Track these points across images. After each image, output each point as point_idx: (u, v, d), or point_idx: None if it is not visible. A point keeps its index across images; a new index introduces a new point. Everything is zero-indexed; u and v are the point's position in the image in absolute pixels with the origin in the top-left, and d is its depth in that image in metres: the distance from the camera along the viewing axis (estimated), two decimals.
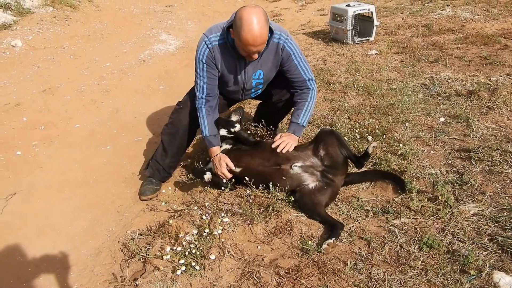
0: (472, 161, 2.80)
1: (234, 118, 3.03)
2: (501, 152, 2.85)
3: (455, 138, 3.13)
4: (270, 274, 2.06)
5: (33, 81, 5.03)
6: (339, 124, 3.40)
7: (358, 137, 3.19)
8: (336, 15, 5.85)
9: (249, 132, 3.22)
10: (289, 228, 2.38)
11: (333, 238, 2.18)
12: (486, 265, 1.95)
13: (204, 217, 2.44)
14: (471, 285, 1.88)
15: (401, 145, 3.02)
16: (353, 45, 5.74)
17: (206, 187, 2.79)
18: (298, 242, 2.27)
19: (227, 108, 3.22)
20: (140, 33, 7.29)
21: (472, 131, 3.17)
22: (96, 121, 4.17)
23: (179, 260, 2.15)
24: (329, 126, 3.44)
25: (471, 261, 1.97)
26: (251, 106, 4.10)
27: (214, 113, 2.79)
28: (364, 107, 3.79)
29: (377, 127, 3.26)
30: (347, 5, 5.71)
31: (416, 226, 2.28)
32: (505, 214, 2.28)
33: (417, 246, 2.13)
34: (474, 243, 2.12)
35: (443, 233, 2.21)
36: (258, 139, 2.95)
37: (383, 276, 1.98)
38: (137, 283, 2.12)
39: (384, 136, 3.15)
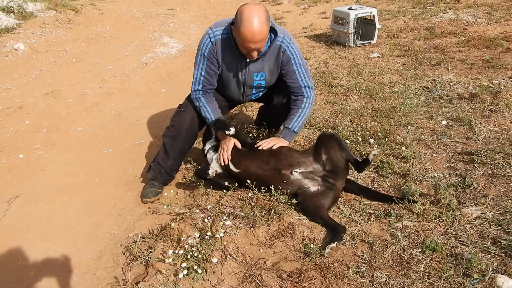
0: (475, 164, 2.79)
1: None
2: (503, 155, 2.84)
3: (458, 141, 3.12)
4: (272, 278, 2.06)
5: (36, 84, 5.05)
6: (341, 127, 3.40)
7: (360, 140, 3.19)
8: (338, 18, 5.85)
9: (251, 134, 3.23)
10: (291, 231, 2.37)
11: (336, 242, 2.18)
12: (489, 269, 1.94)
13: (206, 220, 2.44)
14: None
15: (403, 148, 3.02)
16: (355, 48, 5.74)
17: (208, 190, 2.79)
18: (300, 245, 2.26)
19: (228, 111, 3.22)
20: (142, 36, 7.31)
21: (475, 134, 3.16)
22: (98, 124, 4.18)
23: (181, 263, 2.14)
24: (331, 129, 3.44)
25: (474, 265, 1.96)
26: (253, 109, 4.10)
27: (214, 102, 2.81)
28: (366, 110, 3.78)
29: (379, 130, 3.26)
30: (349, 8, 5.71)
31: (419, 229, 2.27)
32: (508, 217, 2.27)
33: (419, 250, 2.12)
34: (477, 246, 2.11)
35: (445, 236, 2.20)
36: (258, 140, 2.95)
37: (386, 280, 1.97)
38: (139, 287, 2.11)
39: (386, 139, 3.15)
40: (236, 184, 2.66)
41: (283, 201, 2.52)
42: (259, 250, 2.27)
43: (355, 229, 2.34)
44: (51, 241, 2.63)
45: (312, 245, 2.20)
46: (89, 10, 8.38)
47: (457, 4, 7.37)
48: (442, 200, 2.41)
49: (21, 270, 2.42)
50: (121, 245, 2.51)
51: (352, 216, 2.45)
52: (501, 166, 2.72)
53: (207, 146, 2.96)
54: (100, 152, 3.68)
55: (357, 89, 4.25)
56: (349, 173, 2.75)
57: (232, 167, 2.69)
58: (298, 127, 2.83)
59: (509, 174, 2.64)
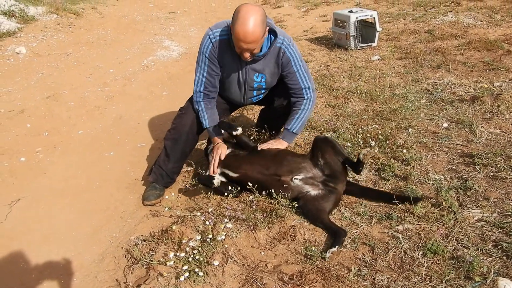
0: (476, 167, 2.79)
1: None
2: (505, 157, 2.84)
3: (459, 144, 3.12)
4: (273, 280, 2.05)
5: (37, 87, 5.06)
6: (342, 130, 3.40)
7: (361, 142, 3.19)
8: (339, 21, 5.86)
9: (252, 137, 3.23)
10: (292, 234, 2.37)
11: (337, 246, 2.17)
12: (490, 272, 1.94)
13: (207, 222, 2.44)
14: None
15: (404, 150, 3.02)
16: (355, 51, 5.75)
17: (209, 193, 2.80)
18: (302, 248, 2.26)
19: (229, 114, 3.23)
20: (143, 40, 7.34)
21: (476, 137, 3.16)
22: (100, 127, 4.19)
23: (182, 266, 2.14)
24: (332, 132, 3.44)
25: (475, 268, 1.95)
26: (253, 112, 4.11)
27: (213, 108, 2.83)
28: (367, 112, 3.78)
29: (380, 132, 3.26)
30: (349, 11, 5.72)
31: (420, 232, 2.26)
32: (510, 220, 2.27)
33: (421, 252, 2.12)
34: (478, 249, 2.10)
35: (447, 239, 2.20)
36: (260, 143, 2.96)
37: (387, 283, 1.97)
38: None
39: (387, 142, 3.15)
40: (239, 188, 2.65)
41: (284, 203, 2.52)
42: (260, 252, 2.27)
43: (356, 232, 2.33)
44: (53, 244, 2.63)
45: (313, 248, 2.20)
46: (90, 14, 8.41)
47: (457, 7, 7.38)
48: (444, 203, 2.41)
49: (23, 273, 2.43)
50: (122, 248, 2.51)
51: (353, 218, 2.45)
52: (502, 169, 2.72)
53: (210, 147, 2.97)
54: (101, 155, 3.68)
55: (358, 91, 4.25)
56: (351, 176, 2.76)
57: (230, 173, 2.69)
58: (297, 129, 2.83)
59: (511, 177, 2.64)
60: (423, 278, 1.97)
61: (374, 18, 5.65)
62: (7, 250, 2.59)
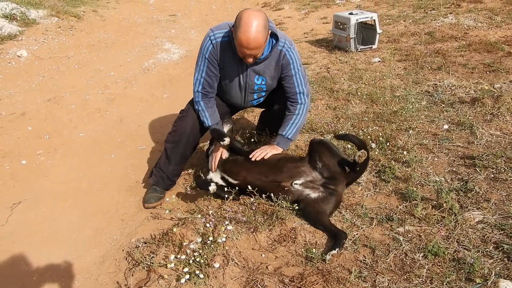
0: (477, 169, 2.79)
1: (226, 128, 3.01)
2: (505, 159, 2.84)
3: (459, 146, 3.12)
4: (274, 282, 2.05)
5: (38, 90, 5.07)
6: (343, 132, 3.40)
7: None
8: (339, 23, 5.87)
9: (252, 140, 3.23)
10: (293, 236, 2.37)
11: (337, 249, 2.17)
12: (491, 273, 1.93)
13: (208, 225, 2.44)
14: None
15: (405, 152, 3.02)
16: (356, 53, 5.75)
17: (209, 195, 2.80)
18: (302, 250, 2.26)
19: (230, 116, 3.22)
20: (144, 42, 7.35)
21: (476, 138, 3.16)
22: (101, 130, 4.20)
23: (183, 268, 2.14)
24: (332, 134, 3.44)
25: (476, 269, 1.95)
26: (254, 114, 4.11)
27: (213, 106, 2.84)
28: (368, 114, 3.79)
29: (380, 134, 3.26)
30: (349, 13, 5.73)
31: (421, 234, 2.26)
32: (511, 221, 2.27)
33: (422, 254, 2.12)
34: (479, 251, 2.10)
35: (448, 240, 2.20)
36: (258, 146, 2.95)
37: (388, 284, 1.97)
38: None
39: (388, 144, 3.15)
40: (237, 188, 2.65)
41: (284, 206, 2.52)
42: (261, 255, 2.27)
43: (357, 234, 2.33)
44: (54, 246, 2.64)
45: (314, 250, 2.20)
46: (91, 17, 8.44)
47: (457, 9, 7.39)
48: (444, 205, 2.41)
49: (24, 275, 2.43)
50: (123, 250, 2.52)
51: (354, 220, 2.45)
52: (503, 170, 2.72)
53: (211, 148, 2.97)
54: (102, 158, 3.69)
55: (358, 93, 4.26)
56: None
57: (230, 179, 2.70)
58: (292, 134, 2.83)
59: (511, 178, 2.64)
60: (424, 280, 1.97)
61: (374, 20, 5.65)
62: (8, 252, 2.59)
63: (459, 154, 3.01)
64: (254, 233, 2.41)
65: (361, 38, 5.85)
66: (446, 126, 3.42)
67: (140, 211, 2.93)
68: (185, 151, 2.92)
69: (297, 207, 2.52)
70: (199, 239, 2.33)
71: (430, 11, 7.60)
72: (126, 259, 2.43)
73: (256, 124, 3.74)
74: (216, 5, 10.77)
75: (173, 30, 8.32)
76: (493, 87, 3.97)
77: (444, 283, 1.92)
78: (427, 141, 3.21)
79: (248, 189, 2.57)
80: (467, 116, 3.53)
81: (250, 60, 2.54)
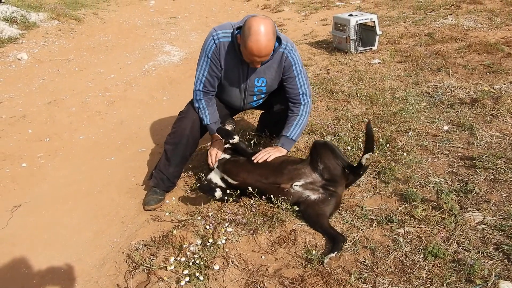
0: (477, 170, 2.79)
1: (228, 127, 3.03)
2: (505, 160, 2.83)
3: (459, 147, 3.12)
4: (274, 284, 2.05)
5: (39, 93, 5.09)
6: (343, 133, 3.40)
7: (361, 146, 3.19)
8: (339, 25, 5.88)
9: (252, 141, 3.23)
10: (293, 238, 2.37)
11: (335, 252, 2.16)
12: (491, 275, 1.93)
13: (208, 227, 2.44)
14: None
15: (404, 153, 3.02)
16: (356, 55, 5.76)
17: (209, 197, 2.80)
18: (302, 251, 2.26)
19: (229, 118, 3.22)
20: (144, 45, 7.37)
21: (476, 140, 3.16)
22: (101, 133, 4.20)
23: (183, 270, 2.14)
24: (332, 135, 3.45)
25: (476, 271, 1.95)
26: (254, 116, 4.11)
27: (214, 105, 2.86)
28: (368, 115, 3.79)
29: (380, 135, 3.26)
30: (349, 15, 5.74)
31: (421, 235, 2.26)
32: (511, 222, 2.26)
33: (422, 255, 2.12)
34: (479, 252, 2.10)
35: (448, 242, 2.19)
36: (260, 148, 2.96)
37: (388, 286, 1.96)
38: None
39: (388, 145, 3.15)
40: (238, 191, 2.65)
41: (284, 208, 2.52)
42: (261, 256, 2.27)
43: (357, 235, 2.33)
44: (54, 249, 2.64)
45: (314, 252, 2.20)
46: (91, 20, 8.46)
47: (457, 10, 7.39)
48: (444, 206, 2.40)
49: (24, 278, 2.43)
50: (123, 252, 2.51)
51: (354, 222, 2.45)
52: (503, 171, 2.72)
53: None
54: (103, 160, 3.69)
55: (358, 95, 4.26)
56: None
57: (229, 179, 2.70)
58: (296, 135, 2.83)
59: (511, 179, 2.64)
60: (424, 281, 1.96)
61: (374, 21, 5.66)
62: (9, 255, 2.59)
63: (459, 155, 3.01)
64: (254, 235, 2.41)
65: (361, 40, 5.86)
66: (446, 127, 3.42)
67: (140, 213, 2.93)
68: (185, 153, 2.92)
69: (297, 209, 2.51)
70: (199, 241, 2.34)
71: (430, 12, 7.60)
72: (126, 262, 2.43)
73: (255, 125, 3.74)
74: (216, 7, 10.79)
75: (173, 32, 8.34)
76: (493, 88, 3.97)
77: (444, 285, 1.92)
78: (427, 142, 3.21)
79: (248, 190, 2.57)
80: (467, 117, 3.53)
81: (258, 65, 2.58)
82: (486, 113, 3.55)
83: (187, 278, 2.09)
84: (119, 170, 3.51)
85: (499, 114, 3.48)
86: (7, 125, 4.21)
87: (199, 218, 2.59)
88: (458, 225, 2.29)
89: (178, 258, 2.22)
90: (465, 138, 3.23)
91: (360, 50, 5.82)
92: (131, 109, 4.76)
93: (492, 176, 2.70)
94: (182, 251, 2.30)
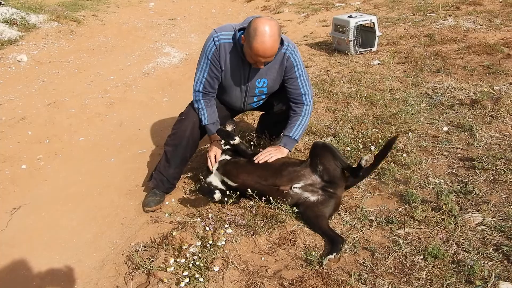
0: (476, 171, 2.79)
1: (228, 128, 3.04)
2: (505, 161, 2.84)
3: (459, 148, 3.12)
4: (274, 286, 2.05)
5: (38, 95, 5.09)
6: (342, 134, 3.40)
7: (361, 147, 3.19)
8: (338, 26, 5.88)
9: (252, 142, 3.23)
10: (292, 239, 2.37)
11: (334, 254, 2.15)
12: (491, 276, 1.93)
13: (207, 228, 2.44)
14: None
15: (404, 154, 3.02)
16: (355, 56, 5.76)
17: (209, 199, 2.80)
18: (302, 253, 2.26)
19: (229, 120, 3.22)
20: (144, 46, 7.37)
21: (476, 140, 3.16)
22: (100, 134, 4.20)
23: (182, 272, 2.14)
24: (332, 136, 3.45)
25: (476, 272, 1.95)
26: (253, 117, 4.11)
27: (213, 106, 2.85)
28: (367, 117, 3.79)
29: (380, 136, 3.26)
30: (349, 16, 5.74)
31: (421, 236, 2.26)
32: (510, 223, 2.26)
33: (421, 257, 2.12)
34: (479, 253, 2.10)
35: (447, 243, 2.19)
36: (259, 149, 2.96)
37: (388, 287, 1.96)
38: None
39: None
40: (238, 193, 2.65)
41: (284, 209, 2.52)
42: (261, 258, 2.27)
43: (356, 236, 2.33)
44: (54, 251, 2.63)
45: (313, 253, 2.20)
46: (91, 21, 8.47)
47: (457, 11, 7.40)
48: (444, 207, 2.41)
49: (24, 280, 2.42)
50: (123, 254, 2.51)
51: (354, 223, 2.45)
52: (503, 172, 2.72)
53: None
54: (102, 162, 3.69)
55: (358, 96, 4.26)
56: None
57: (229, 181, 2.70)
58: (298, 136, 2.83)
59: (511, 180, 2.64)
60: (423, 282, 1.96)
61: (373, 22, 5.67)
62: (8, 257, 2.59)
63: (459, 156, 3.01)
64: (253, 236, 2.41)
65: (360, 41, 5.86)
66: (445, 128, 3.42)
67: (139, 215, 2.93)
68: (185, 154, 2.92)
69: (296, 210, 2.51)
70: (199, 243, 2.33)
71: (430, 13, 7.61)
72: (125, 263, 2.43)
73: (255, 126, 3.74)
74: (216, 9, 10.80)
75: (173, 34, 8.34)
76: (493, 89, 3.97)
77: (444, 286, 1.92)
78: (427, 143, 3.21)
79: (248, 192, 2.57)
80: (467, 118, 3.54)
81: (262, 66, 2.59)
82: (486, 114, 3.55)
83: (187, 280, 2.09)
84: (119, 172, 3.51)
85: (498, 115, 3.49)
86: (7, 127, 4.21)
87: (199, 219, 2.59)
88: (458, 226, 2.29)
89: (178, 260, 2.22)
90: (465, 139, 3.23)
91: (359, 51, 5.83)
92: (130, 111, 4.76)
93: (492, 177, 2.71)
94: (181, 253, 2.30)
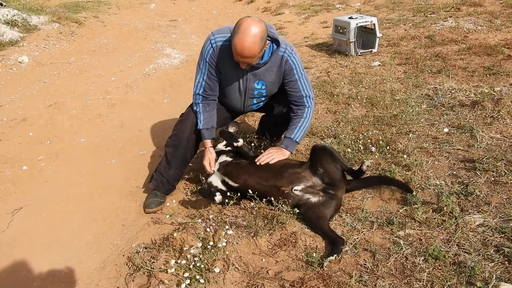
0: (477, 172, 2.79)
1: (231, 130, 3.04)
2: (506, 162, 2.83)
3: (460, 149, 3.12)
4: (274, 287, 2.05)
5: (40, 96, 5.09)
6: (343, 136, 3.40)
7: (361, 148, 3.19)
8: (339, 28, 5.88)
9: (252, 144, 3.23)
10: (293, 240, 2.37)
11: (335, 255, 2.16)
12: (492, 277, 1.93)
13: (208, 229, 2.44)
14: None
15: (405, 156, 3.02)
16: (356, 57, 5.77)
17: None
18: (303, 254, 2.26)
19: (230, 121, 3.23)
20: (144, 48, 7.37)
21: (477, 142, 3.16)
22: (101, 135, 4.21)
23: (183, 273, 2.14)
24: (332, 137, 3.45)
25: (477, 273, 1.95)
26: (254, 118, 4.12)
27: (212, 111, 2.84)
28: (368, 118, 3.79)
29: (380, 138, 3.26)
30: (349, 18, 5.75)
31: (421, 238, 2.26)
32: (511, 225, 2.26)
33: (422, 258, 2.12)
34: (480, 254, 2.10)
35: (448, 244, 2.19)
36: (261, 150, 2.96)
37: None
38: None
39: (388, 147, 3.15)
40: (239, 194, 2.65)
41: (285, 210, 2.52)
42: (262, 259, 2.27)
43: (357, 238, 2.33)
44: (55, 252, 2.64)
45: (314, 254, 2.20)
46: (92, 23, 8.48)
47: (457, 12, 7.40)
48: (445, 208, 2.41)
49: (25, 281, 2.43)
50: (123, 255, 2.52)
51: (355, 224, 2.45)
52: (504, 173, 2.72)
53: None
54: (103, 163, 3.69)
55: (359, 97, 4.26)
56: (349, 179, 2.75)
57: (230, 182, 2.70)
58: (300, 138, 2.83)
59: None
60: (424, 284, 1.96)
61: (374, 24, 5.67)
62: (9, 258, 2.59)
63: (460, 158, 3.01)
64: (254, 238, 2.41)
65: (361, 42, 5.86)
66: (446, 130, 3.42)
67: (140, 216, 2.93)
68: (185, 155, 2.93)
69: (297, 211, 2.52)
70: (200, 244, 2.34)
71: (430, 14, 7.61)
72: (126, 264, 2.43)
73: (256, 128, 3.75)
74: (217, 10, 10.81)
75: (173, 35, 8.35)
76: (493, 90, 3.97)
77: (445, 287, 1.92)
78: (427, 144, 3.21)
79: (249, 193, 2.57)
80: (467, 119, 3.54)
81: (244, 66, 2.58)
82: (487, 115, 3.55)
83: (188, 281, 2.09)
84: (120, 173, 3.52)
85: (499, 116, 3.49)
86: (8, 128, 4.22)
87: (200, 220, 2.59)
88: (459, 227, 2.29)
89: (179, 261, 2.23)
90: (466, 140, 3.23)
91: (360, 53, 5.83)
92: (131, 112, 4.77)
93: (493, 178, 2.70)
94: (182, 254, 2.30)
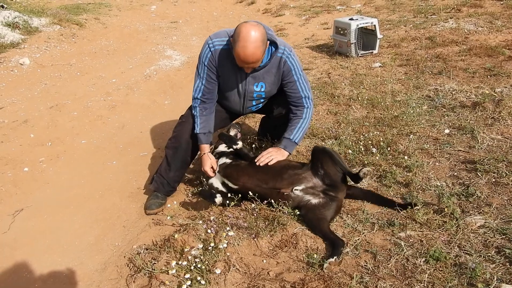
0: (478, 173, 2.79)
1: (232, 132, 3.05)
2: (507, 163, 2.83)
3: (461, 150, 3.12)
4: None
5: (41, 98, 5.10)
6: (344, 137, 3.40)
7: (362, 149, 3.19)
8: (340, 29, 5.89)
9: (253, 145, 3.24)
10: (294, 242, 2.37)
11: (335, 257, 2.15)
12: (493, 278, 1.93)
13: (209, 231, 2.44)
14: None
15: (406, 157, 3.02)
16: (356, 58, 5.77)
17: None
18: (304, 255, 2.26)
19: (229, 123, 3.23)
20: (145, 49, 7.39)
21: (478, 143, 3.16)
22: (102, 137, 4.21)
23: (184, 274, 2.14)
24: (333, 139, 3.45)
25: (478, 274, 1.95)
26: (255, 120, 4.12)
27: (209, 115, 2.84)
28: (369, 119, 3.79)
29: (381, 139, 3.26)
30: (350, 19, 5.75)
31: (422, 239, 2.26)
32: None
33: (423, 259, 2.11)
34: (481, 255, 2.10)
35: (449, 245, 2.19)
36: (260, 151, 2.96)
37: None
38: None
39: (389, 148, 3.15)
40: (239, 196, 2.66)
41: (286, 212, 2.52)
42: (263, 260, 2.27)
43: (358, 239, 2.33)
44: (56, 253, 2.64)
45: (315, 255, 2.20)
46: (93, 25, 8.49)
47: (458, 13, 7.40)
48: (446, 209, 2.40)
49: (26, 283, 2.43)
50: (125, 256, 2.52)
51: (355, 226, 2.45)
52: (505, 175, 2.71)
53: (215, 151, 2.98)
54: (104, 165, 3.70)
55: (359, 98, 4.26)
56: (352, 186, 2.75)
57: (230, 183, 2.70)
58: (299, 138, 2.84)
59: None
60: (425, 285, 1.96)
61: (374, 25, 5.67)
62: (11, 260, 2.59)
63: (460, 159, 3.01)
64: (255, 239, 2.41)
65: (361, 43, 5.87)
66: (447, 131, 3.42)
67: (141, 217, 2.94)
68: (185, 157, 2.93)
69: (298, 213, 2.51)
70: (201, 245, 2.34)
71: (431, 16, 7.61)
72: (127, 266, 2.43)
73: (257, 129, 3.75)
74: (217, 12, 10.82)
75: (174, 37, 8.36)
76: (494, 91, 3.97)
77: None
78: (428, 145, 3.21)
79: (249, 195, 2.57)
80: (468, 120, 3.54)
81: (248, 70, 2.62)
82: (487, 116, 3.55)
83: (189, 282, 2.09)
84: (121, 174, 3.52)
85: (500, 117, 3.48)
86: (9, 129, 4.23)
87: (201, 222, 2.59)
88: (460, 228, 2.29)
89: (180, 262, 2.23)
90: (466, 141, 3.23)
91: (361, 54, 5.83)
92: (132, 114, 4.78)
93: (494, 180, 2.70)
94: (183, 255, 2.30)
